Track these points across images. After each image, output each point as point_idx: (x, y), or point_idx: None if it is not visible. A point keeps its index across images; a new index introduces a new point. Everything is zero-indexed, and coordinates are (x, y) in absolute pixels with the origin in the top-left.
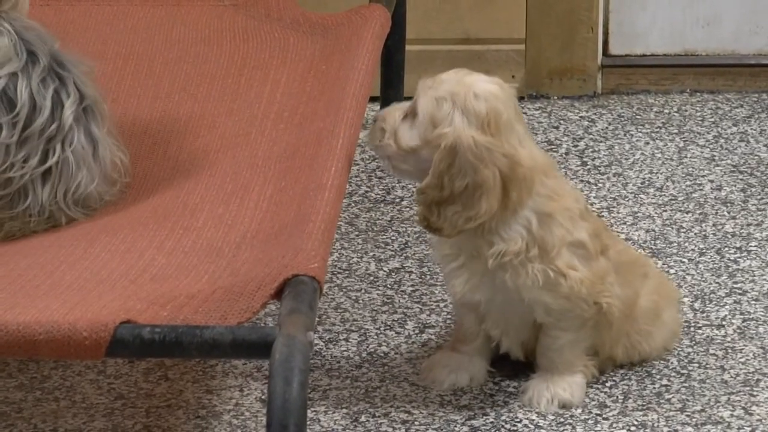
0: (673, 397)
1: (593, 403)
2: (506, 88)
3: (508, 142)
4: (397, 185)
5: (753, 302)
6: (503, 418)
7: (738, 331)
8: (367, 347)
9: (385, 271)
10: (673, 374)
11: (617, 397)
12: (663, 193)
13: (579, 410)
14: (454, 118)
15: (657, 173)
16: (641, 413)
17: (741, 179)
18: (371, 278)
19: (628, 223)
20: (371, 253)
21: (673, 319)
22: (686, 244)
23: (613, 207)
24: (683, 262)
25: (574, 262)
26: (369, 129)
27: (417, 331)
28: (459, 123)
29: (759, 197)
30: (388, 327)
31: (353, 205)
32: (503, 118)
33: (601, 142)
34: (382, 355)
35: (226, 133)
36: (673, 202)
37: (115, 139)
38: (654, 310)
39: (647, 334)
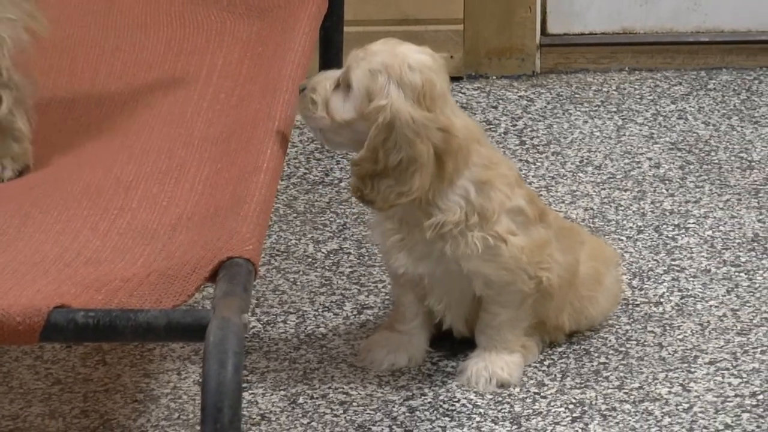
0: (611, 374)
1: (531, 381)
2: (437, 58)
3: (443, 113)
4: (336, 167)
5: (691, 279)
6: (441, 397)
7: (676, 308)
8: (305, 329)
9: (323, 252)
10: (611, 352)
11: (555, 375)
12: (601, 172)
13: (517, 389)
14: (390, 91)
15: (595, 152)
16: (579, 391)
17: (679, 156)
18: (309, 260)
19: (566, 202)
20: (309, 235)
21: (614, 281)
22: (624, 222)
23: (552, 186)
24: (621, 239)
25: (513, 228)
26: (298, 97)
27: (355, 312)
28: (395, 96)
29: (697, 174)
30: (327, 308)
31: (291, 187)
32: (437, 89)
33: (539, 121)
34: (321, 336)
35: (161, 111)
36: (612, 180)
37: None
38: (594, 276)
39: (591, 299)
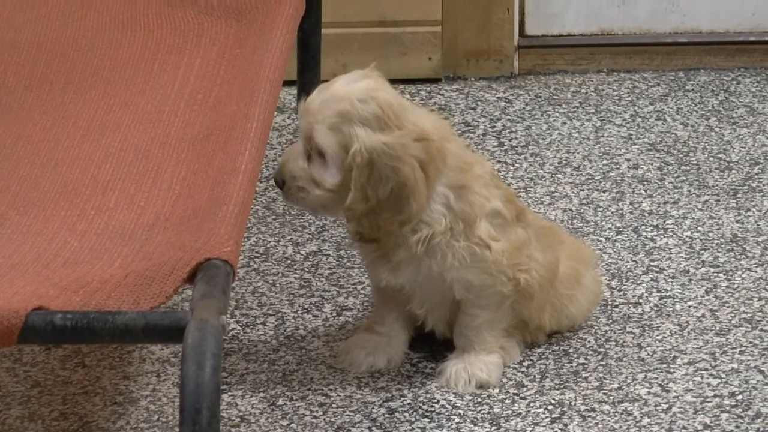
0: (590, 375)
1: (510, 382)
2: (373, 74)
3: (410, 121)
4: None
5: (670, 280)
6: (421, 399)
7: (655, 308)
8: (285, 331)
9: (302, 254)
10: (590, 353)
11: (534, 376)
12: (580, 173)
13: (496, 390)
14: (357, 134)
15: (574, 153)
16: (558, 392)
17: (658, 157)
18: (288, 262)
19: (545, 203)
20: (288, 237)
21: (594, 281)
22: (603, 223)
23: (531, 187)
24: (600, 240)
25: (493, 232)
26: (283, 193)
27: (334, 314)
28: (363, 135)
29: (676, 175)
30: (306, 310)
31: (270, 189)
32: (394, 104)
33: (518, 122)
34: (300, 338)
35: (138, 109)
36: (590, 181)
37: None
38: (573, 276)
39: (571, 298)
